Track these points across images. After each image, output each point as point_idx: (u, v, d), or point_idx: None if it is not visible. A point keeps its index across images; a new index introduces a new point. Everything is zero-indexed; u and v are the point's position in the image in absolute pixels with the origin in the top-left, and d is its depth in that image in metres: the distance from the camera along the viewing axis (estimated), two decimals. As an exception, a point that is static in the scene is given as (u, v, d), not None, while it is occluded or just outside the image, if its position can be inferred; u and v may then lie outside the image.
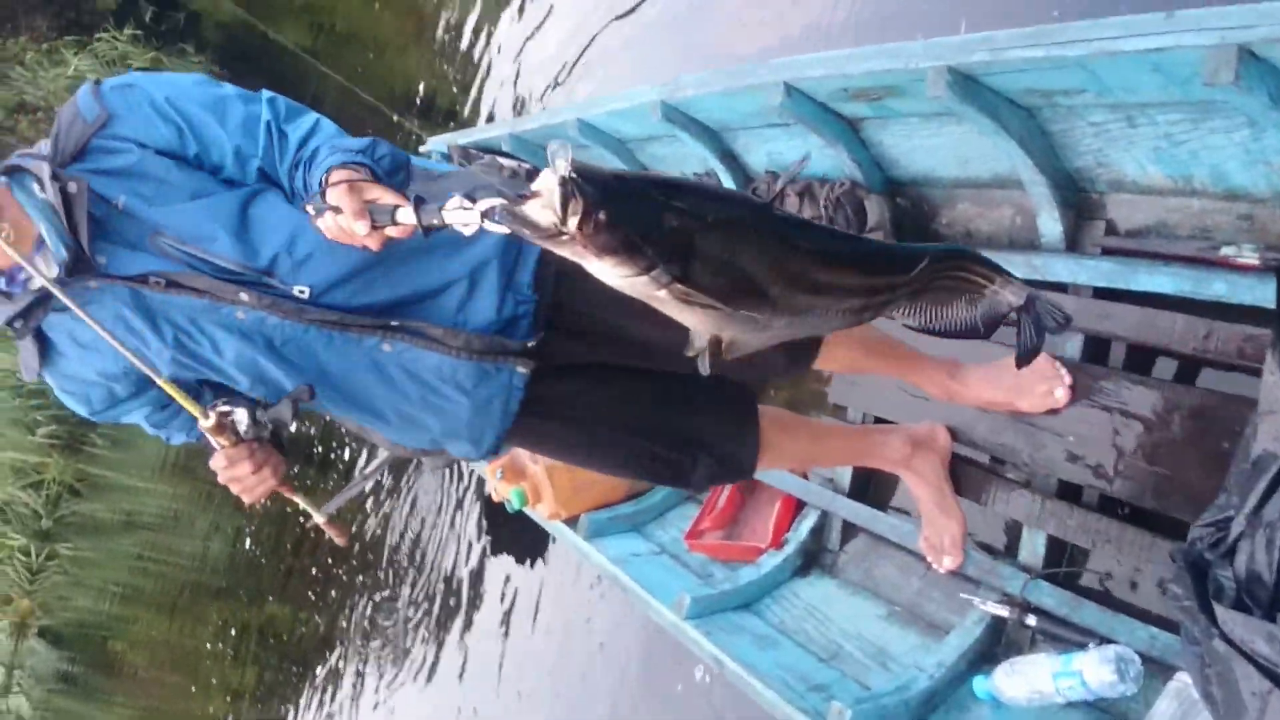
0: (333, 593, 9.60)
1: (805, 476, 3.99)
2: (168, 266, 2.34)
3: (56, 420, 16.45)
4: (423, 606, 7.65)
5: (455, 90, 10.07)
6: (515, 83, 8.93)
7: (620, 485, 4.67)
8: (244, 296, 2.35)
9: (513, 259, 2.49)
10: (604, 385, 2.77)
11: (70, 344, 2.46)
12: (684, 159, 4.61)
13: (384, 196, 2.04)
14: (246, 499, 2.47)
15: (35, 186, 2.32)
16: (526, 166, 5.58)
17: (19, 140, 19.93)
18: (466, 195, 1.88)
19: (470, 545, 7.20)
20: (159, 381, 2.33)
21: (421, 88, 10.70)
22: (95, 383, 2.51)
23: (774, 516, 4.03)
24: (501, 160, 5.64)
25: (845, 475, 3.86)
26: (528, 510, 4.74)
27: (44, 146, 2.39)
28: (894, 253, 1.96)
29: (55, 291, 2.23)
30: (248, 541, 12.50)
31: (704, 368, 1.80)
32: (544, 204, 1.53)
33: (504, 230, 1.72)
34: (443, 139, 6.44)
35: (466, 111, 9.51)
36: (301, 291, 2.37)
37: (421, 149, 6.71)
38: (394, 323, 2.42)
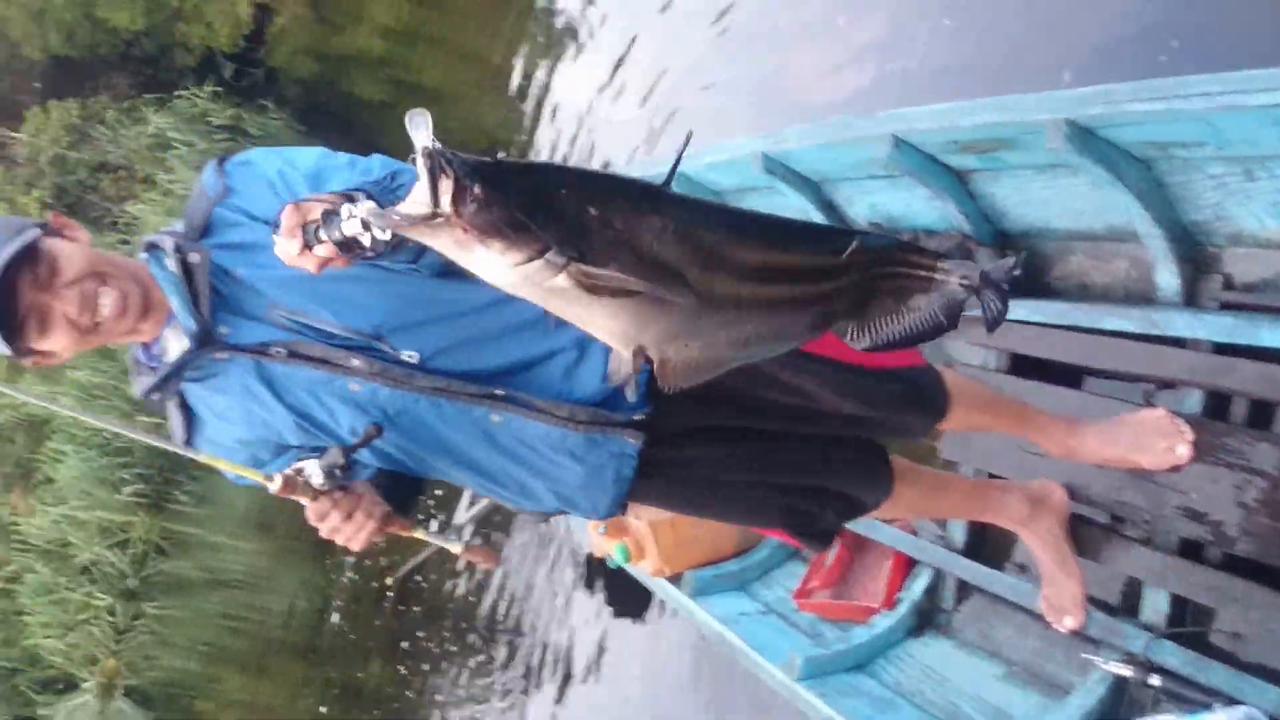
0: (426, 650, 9.57)
1: (914, 531, 3.94)
2: (285, 336, 2.37)
3: (142, 479, 16.64)
4: (518, 667, 7.60)
5: (529, 141, 10.15)
6: (585, 131, 9.00)
7: (725, 542, 4.63)
8: (356, 362, 2.36)
9: None
10: (727, 447, 2.70)
11: (209, 413, 2.51)
12: (782, 210, 4.54)
13: (315, 210, 1.95)
14: (352, 546, 2.43)
15: (167, 261, 2.36)
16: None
17: (102, 199, 20.30)
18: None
19: (567, 602, 7.17)
20: (224, 465, 2.42)
21: (496, 140, 10.78)
22: (235, 449, 2.54)
23: (885, 575, 3.98)
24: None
25: (959, 533, 3.81)
26: (630, 567, 4.71)
27: (181, 224, 2.44)
28: (819, 231, 1.91)
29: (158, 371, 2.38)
30: (335, 599, 12.52)
31: (630, 395, 1.77)
32: (415, 196, 1.45)
33: (384, 236, 1.79)
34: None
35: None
36: (410, 356, 2.38)
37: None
38: (499, 391, 2.41)
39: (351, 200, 1.90)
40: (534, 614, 7.63)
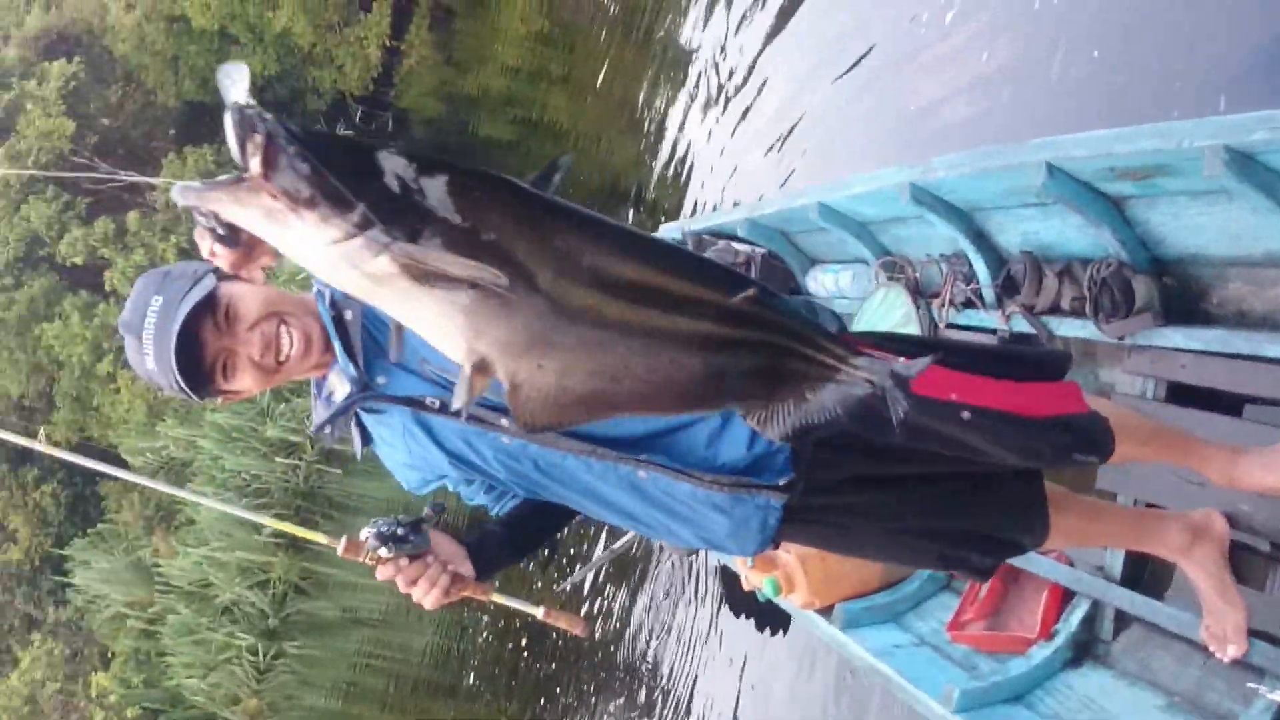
0: (567, 689, 9.58)
1: (1070, 562, 3.91)
2: (436, 392, 2.45)
3: (280, 519, 16.86)
4: (659, 705, 7.58)
5: (658, 179, 10.20)
6: (717, 169, 9.02)
7: (874, 575, 4.62)
8: (504, 423, 2.43)
9: None
10: (884, 494, 2.67)
11: (379, 439, 2.64)
12: (930, 240, 4.61)
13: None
14: (425, 607, 2.60)
15: (324, 310, 2.48)
16: (761, 252, 5.64)
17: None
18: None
19: (710, 635, 7.16)
20: (269, 522, 2.61)
21: (626, 179, 10.86)
22: (404, 470, 2.67)
23: (1041, 606, 3.94)
24: (736, 246, 5.73)
25: (1116, 564, 3.75)
26: (780, 600, 4.71)
27: None
28: (709, 264, 1.67)
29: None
30: (474, 638, 12.59)
31: (463, 408, 1.59)
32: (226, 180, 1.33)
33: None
34: (676, 225, 6.52)
35: (672, 203, 9.61)
36: None
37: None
38: (642, 457, 2.45)
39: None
40: (674, 651, 7.62)
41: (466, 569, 2.63)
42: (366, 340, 2.46)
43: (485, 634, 12.25)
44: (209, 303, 2.34)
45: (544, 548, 2.73)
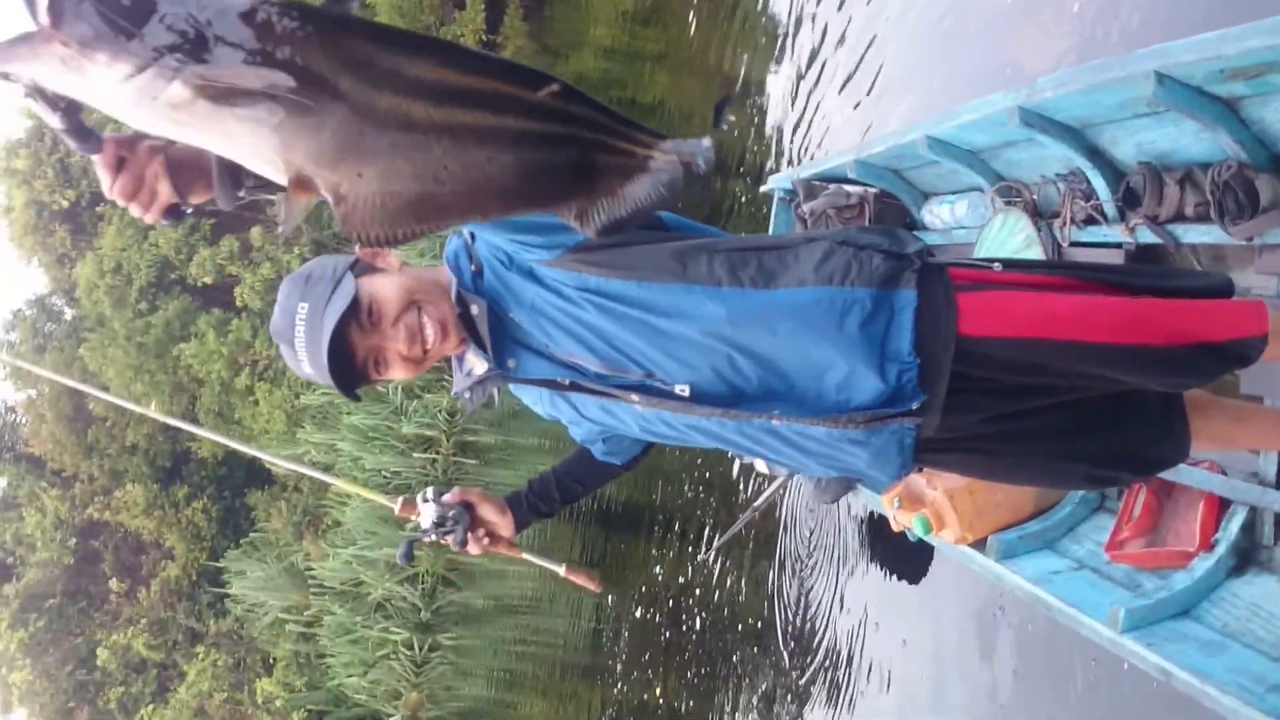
0: (716, 662, 9.59)
1: (1222, 471, 3.84)
2: (566, 374, 2.55)
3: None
4: (820, 663, 7.53)
5: (759, 147, 10.16)
6: (811, 129, 8.98)
7: (1024, 502, 4.57)
8: (634, 398, 2.50)
9: (881, 330, 2.42)
10: (1015, 421, 2.63)
11: (523, 397, 2.83)
12: (1043, 161, 4.55)
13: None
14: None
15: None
16: (874, 191, 5.62)
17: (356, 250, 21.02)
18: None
19: (858, 587, 7.13)
20: (341, 483, 3.05)
21: (730, 148, 10.82)
22: (548, 415, 2.87)
23: (1199, 518, 3.87)
24: (847, 188, 5.70)
25: (1270, 467, 3.69)
26: (931, 538, 4.68)
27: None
28: (510, 63, 1.63)
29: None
30: (618, 617, 12.67)
31: (286, 226, 1.53)
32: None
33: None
34: (784, 176, 6.50)
35: (775, 162, 9.59)
36: (682, 390, 2.48)
37: (763, 189, 6.79)
38: (776, 411, 2.45)
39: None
40: (820, 612, 7.60)
41: (506, 531, 3.11)
42: (494, 325, 2.52)
43: (630, 612, 12.31)
44: (352, 305, 2.42)
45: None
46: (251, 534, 23.53)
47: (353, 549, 16.93)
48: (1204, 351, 2.50)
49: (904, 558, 6.45)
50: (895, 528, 4.84)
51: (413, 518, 3.14)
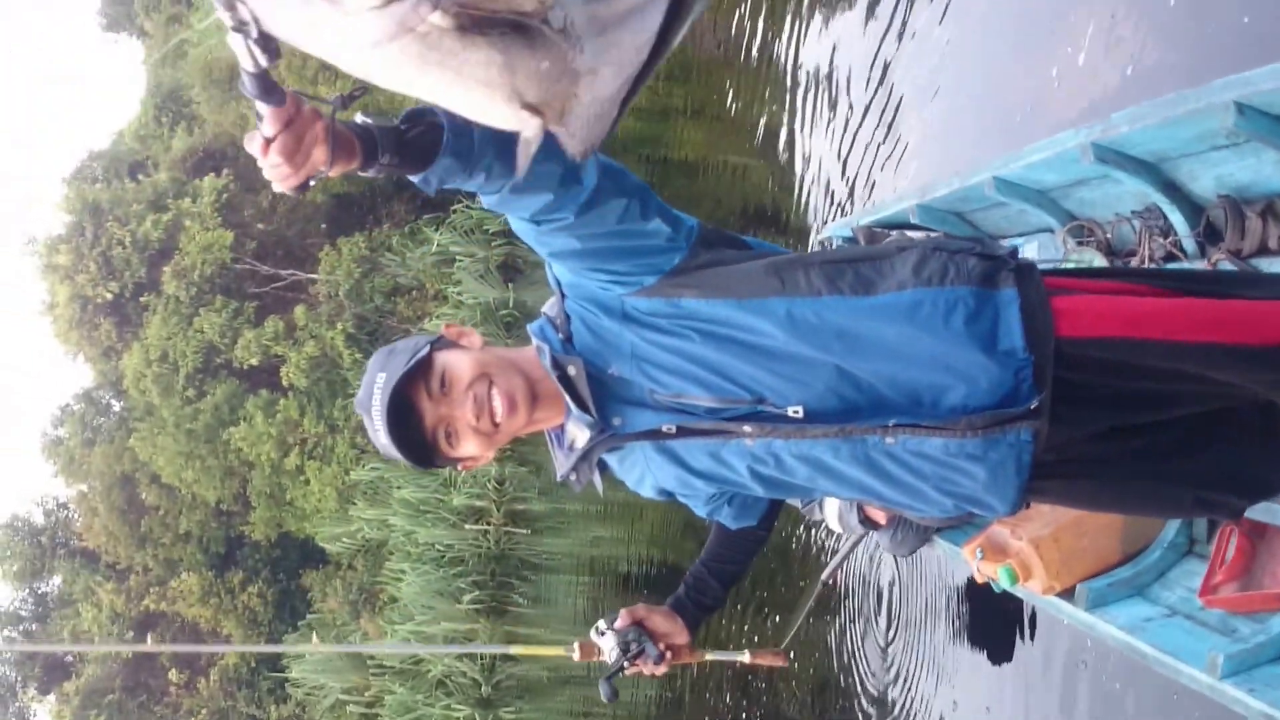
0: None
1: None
2: (672, 418, 2.50)
3: (478, 585, 17.09)
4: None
5: (800, 205, 10.16)
6: (849, 181, 8.97)
7: (1111, 549, 4.47)
8: (747, 428, 2.45)
9: (988, 327, 2.39)
10: (1124, 441, 2.57)
11: (624, 474, 2.75)
12: (1118, 198, 4.48)
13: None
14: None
15: (546, 366, 2.54)
16: (936, 235, 5.56)
17: (399, 321, 21.15)
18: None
19: (945, 640, 7.02)
20: (516, 650, 2.92)
21: (768, 202, 10.82)
22: (650, 494, 2.79)
23: (1297, 559, 3.78)
24: (910, 234, 5.64)
25: (1372, 503, 3.59)
26: (1018, 589, 4.57)
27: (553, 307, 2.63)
28: None
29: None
30: (681, 684, 12.56)
31: (521, 164, 1.59)
32: None
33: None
34: (843, 223, 6.48)
35: (812, 218, 9.59)
36: (795, 412, 2.43)
37: (819, 236, 6.78)
38: (891, 422, 2.41)
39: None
40: (914, 655, 7.48)
41: (682, 637, 3.16)
42: (593, 387, 2.49)
43: (694, 677, 12.21)
44: (422, 371, 2.44)
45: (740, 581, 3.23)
46: (309, 615, 23.57)
47: (410, 625, 16.94)
48: None
49: (981, 614, 6.35)
50: (979, 579, 4.73)
51: (596, 657, 3.19)
